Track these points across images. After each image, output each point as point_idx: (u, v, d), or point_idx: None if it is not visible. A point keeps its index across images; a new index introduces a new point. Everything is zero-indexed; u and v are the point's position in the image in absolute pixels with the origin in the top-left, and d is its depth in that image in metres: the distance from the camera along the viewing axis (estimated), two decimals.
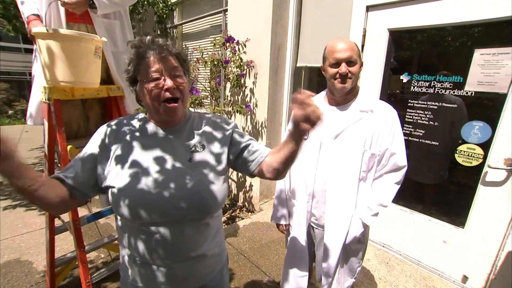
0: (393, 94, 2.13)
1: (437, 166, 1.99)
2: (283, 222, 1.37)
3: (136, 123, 0.82)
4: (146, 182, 0.73)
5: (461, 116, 1.79)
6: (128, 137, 0.79)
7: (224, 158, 0.85)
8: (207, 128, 0.86)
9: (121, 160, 0.76)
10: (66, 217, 1.50)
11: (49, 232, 1.50)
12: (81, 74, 1.21)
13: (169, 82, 0.73)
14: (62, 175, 0.74)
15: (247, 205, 3.12)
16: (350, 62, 1.07)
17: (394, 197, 1.14)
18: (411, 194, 2.17)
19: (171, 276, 0.78)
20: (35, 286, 1.79)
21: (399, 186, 1.14)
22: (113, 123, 0.82)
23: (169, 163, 0.76)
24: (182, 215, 0.74)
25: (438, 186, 2.04)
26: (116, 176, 0.74)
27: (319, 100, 1.23)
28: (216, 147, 0.84)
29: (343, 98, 1.15)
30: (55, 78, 1.17)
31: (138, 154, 0.77)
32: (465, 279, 1.88)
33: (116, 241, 2.02)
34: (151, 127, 0.81)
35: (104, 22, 1.44)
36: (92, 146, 0.78)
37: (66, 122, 1.47)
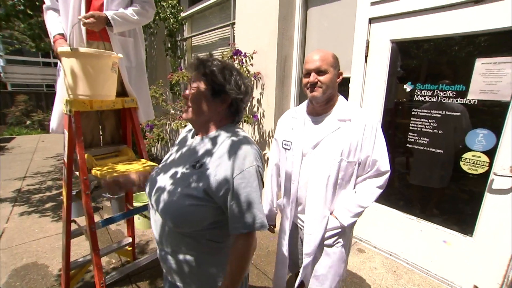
0: (397, 103, 2.16)
1: (442, 174, 1.99)
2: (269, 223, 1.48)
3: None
4: (154, 174, 0.92)
5: (465, 124, 1.81)
6: (182, 136, 1.01)
7: (203, 188, 0.78)
8: (217, 153, 0.81)
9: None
10: (81, 222, 1.59)
11: (65, 236, 1.58)
12: (100, 88, 1.31)
13: (186, 91, 0.86)
14: None
15: None
16: (320, 72, 1.11)
17: (375, 199, 1.17)
18: (418, 202, 2.17)
19: (163, 260, 0.91)
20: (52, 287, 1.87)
21: (381, 190, 1.17)
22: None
23: (176, 168, 0.87)
24: (160, 215, 0.84)
25: (444, 194, 2.03)
26: None
27: (302, 110, 1.27)
28: (207, 175, 0.79)
29: (323, 108, 1.18)
30: (76, 91, 1.28)
31: (171, 153, 0.96)
32: None
33: (126, 247, 2.10)
34: (190, 132, 0.99)
35: (120, 40, 1.56)
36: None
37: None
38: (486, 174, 1.74)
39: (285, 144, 1.27)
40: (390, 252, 2.29)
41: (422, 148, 2.02)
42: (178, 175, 0.84)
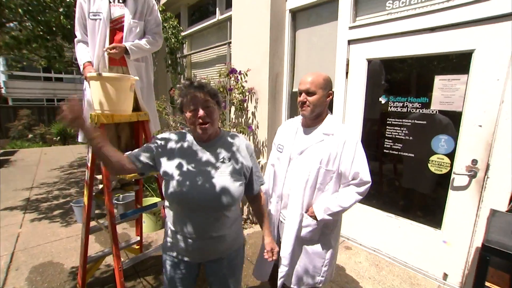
0: (374, 113, 2.46)
1: (415, 175, 2.27)
2: None
3: (184, 136, 1.16)
4: (183, 180, 1.05)
5: (430, 130, 2.10)
6: (178, 145, 1.13)
7: (242, 170, 1.14)
8: (235, 148, 1.16)
9: (171, 159, 1.10)
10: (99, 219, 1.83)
11: (85, 231, 1.82)
12: (120, 104, 1.59)
13: (201, 112, 1.04)
14: (129, 153, 1.13)
15: (251, 218, 3.38)
16: (309, 93, 1.28)
17: (353, 203, 1.29)
18: (395, 201, 2.43)
19: (197, 247, 1.10)
20: (67, 281, 2.09)
21: (360, 197, 1.30)
22: (172, 133, 1.18)
23: (201, 169, 1.08)
24: (206, 206, 1.06)
25: (417, 193, 2.30)
26: (167, 170, 1.08)
27: (297, 121, 1.50)
28: (239, 162, 1.14)
29: (312, 122, 1.38)
30: (101, 108, 1.56)
31: (183, 158, 1.09)
32: (445, 276, 2.09)
33: (133, 245, 2.34)
34: (192, 141, 1.14)
35: (135, 65, 1.87)
36: (154, 143, 1.14)
37: None
38: (449, 174, 2.02)
39: (279, 147, 1.48)
40: (374, 248, 2.53)
41: (396, 153, 2.31)
42: (211, 173, 1.07)
